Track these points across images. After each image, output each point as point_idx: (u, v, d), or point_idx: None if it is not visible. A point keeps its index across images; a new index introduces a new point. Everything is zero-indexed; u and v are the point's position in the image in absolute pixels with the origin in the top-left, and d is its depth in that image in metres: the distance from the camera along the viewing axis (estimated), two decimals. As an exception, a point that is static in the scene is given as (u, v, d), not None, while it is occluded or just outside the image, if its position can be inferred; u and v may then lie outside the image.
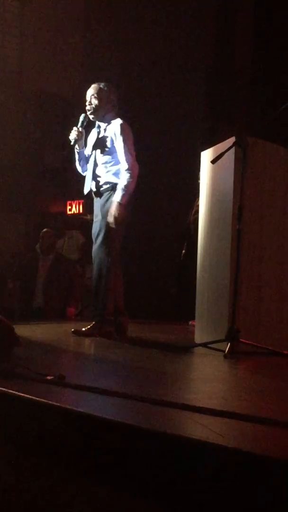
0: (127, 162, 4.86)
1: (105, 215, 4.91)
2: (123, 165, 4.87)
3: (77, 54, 10.91)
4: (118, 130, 4.90)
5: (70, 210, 10.78)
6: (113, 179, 4.93)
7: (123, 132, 4.90)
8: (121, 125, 4.92)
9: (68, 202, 10.82)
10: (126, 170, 4.85)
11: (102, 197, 4.97)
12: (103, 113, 5.02)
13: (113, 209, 4.83)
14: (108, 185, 4.95)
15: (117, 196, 4.84)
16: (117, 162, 4.93)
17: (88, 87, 5.09)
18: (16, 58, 10.81)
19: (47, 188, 10.87)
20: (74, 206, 10.74)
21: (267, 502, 1.73)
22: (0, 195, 9.66)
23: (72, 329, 4.98)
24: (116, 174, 4.93)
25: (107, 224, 4.88)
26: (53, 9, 10.24)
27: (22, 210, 10.54)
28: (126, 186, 4.84)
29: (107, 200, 4.94)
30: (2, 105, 9.95)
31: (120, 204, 4.82)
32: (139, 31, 9.64)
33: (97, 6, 10.29)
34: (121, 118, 4.99)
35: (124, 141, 4.89)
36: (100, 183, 4.98)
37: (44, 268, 7.10)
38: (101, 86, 5.04)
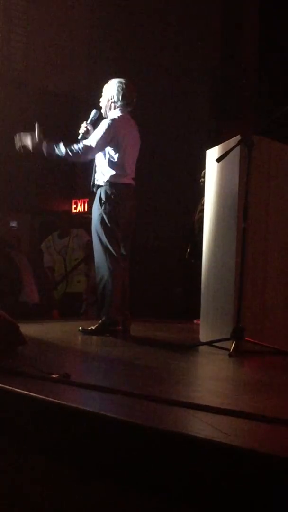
0: (90, 143, 4.82)
1: (94, 216, 4.90)
2: (86, 141, 4.84)
3: (83, 53, 10.91)
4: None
5: (75, 208, 10.78)
6: (100, 179, 4.91)
7: (102, 123, 4.86)
8: (106, 119, 4.89)
9: (73, 201, 10.82)
10: (86, 144, 4.81)
11: (95, 197, 4.96)
12: (107, 109, 5.00)
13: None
14: (96, 185, 4.95)
15: (61, 148, 4.81)
16: (106, 162, 4.87)
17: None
18: (22, 56, 10.81)
19: (52, 186, 10.86)
20: (79, 204, 10.74)
21: (272, 501, 1.73)
22: (5, 194, 9.66)
23: (79, 328, 4.97)
24: (102, 173, 4.90)
25: (96, 224, 4.86)
26: (58, 7, 10.23)
27: (28, 210, 10.53)
28: (71, 150, 4.81)
29: (95, 200, 4.94)
30: (7, 103, 9.95)
31: (42, 148, 4.83)
32: (145, 30, 9.64)
33: (103, 5, 10.29)
34: (122, 116, 4.92)
35: (99, 129, 4.84)
36: (93, 182, 4.98)
37: (22, 264, 7.01)
38: (109, 82, 5.01)
